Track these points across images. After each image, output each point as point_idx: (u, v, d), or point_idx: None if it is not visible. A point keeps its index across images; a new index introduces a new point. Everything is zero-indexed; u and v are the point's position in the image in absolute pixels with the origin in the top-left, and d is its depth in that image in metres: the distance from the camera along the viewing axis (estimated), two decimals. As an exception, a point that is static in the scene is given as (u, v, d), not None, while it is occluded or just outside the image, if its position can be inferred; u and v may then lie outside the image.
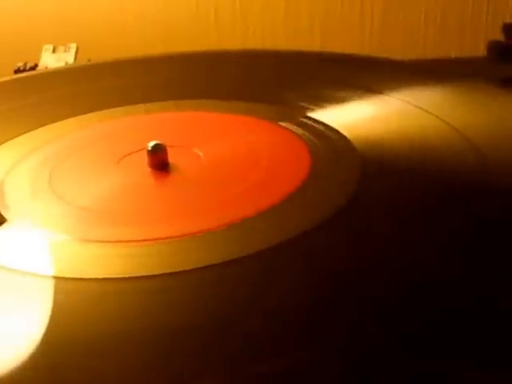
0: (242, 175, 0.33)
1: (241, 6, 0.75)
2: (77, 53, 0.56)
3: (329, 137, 0.36)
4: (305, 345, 0.21)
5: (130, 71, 0.50)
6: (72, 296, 0.24)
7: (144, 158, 0.34)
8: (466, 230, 0.27)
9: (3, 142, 0.38)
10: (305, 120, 0.38)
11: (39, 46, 0.57)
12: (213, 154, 0.36)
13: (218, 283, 0.24)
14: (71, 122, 0.41)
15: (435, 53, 0.72)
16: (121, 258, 0.27)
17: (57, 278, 0.25)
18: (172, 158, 0.35)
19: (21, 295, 0.24)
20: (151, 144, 0.34)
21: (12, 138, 0.38)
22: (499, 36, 0.59)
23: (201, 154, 0.36)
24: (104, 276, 0.25)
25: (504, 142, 0.34)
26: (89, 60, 0.54)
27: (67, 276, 0.25)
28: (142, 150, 0.35)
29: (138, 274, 0.25)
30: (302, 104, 0.40)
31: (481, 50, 0.64)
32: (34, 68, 0.54)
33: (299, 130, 0.37)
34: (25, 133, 0.39)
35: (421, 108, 0.37)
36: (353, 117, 0.38)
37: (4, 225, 0.29)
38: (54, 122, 0.40)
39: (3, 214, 0.30)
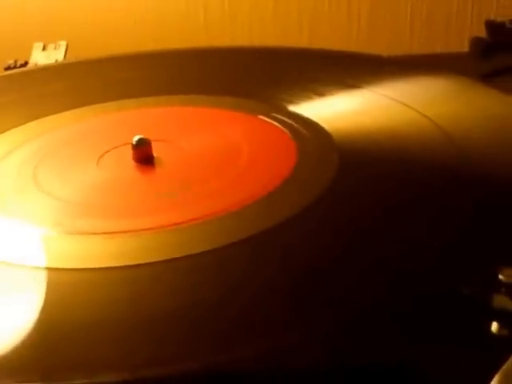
0: (226, 168, 0.34)
1: (230, 5, 0.76)
2: (67, 51, 0.57)
3: (310, 130, 0.36)
4: (280, 331, 0.21)
5: (116, 68, 0.51)
6: (56, 286, 0.25)
7: (129, 153, 0.35)
8: (442, 218, 0.28)
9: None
10: (286, 114, 0.39)
11: (29, 44, 0.58)
12: (198, 147, 0.36)
13: (201, 271, 0.25)
14: (56, 118, 0.41)
15: (421, 49, 0.73)
16: (107, 249, 0.27)
17: (43, 269, 0.26)
18: (157, 151, 0.35)
19: (5, 286, 0.25)
20: (136, 138, 0.35)
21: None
22: (484, 33, 0.60)
23: (186, 147, 0.36)
24: (84, 266, 0.26)
25: (477, 131, 0.35)
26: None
27: (53, 266, 0.26)
28: (126, 144, 0.36)
29: (124, 264, 0.26)
30: (286, 99, 0.41)
31: (465, 47, 0.65)
32: (24, 65, 0.55)
33: (282, 124, 0.37)
34: (9, 129, 0.40)
35: (400, 102, 0.38)
36: (333, 110, 0.39)
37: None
38: (38, 118, 0.41)
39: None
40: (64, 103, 0.43)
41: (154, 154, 0.35)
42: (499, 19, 0.60)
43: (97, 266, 0.26)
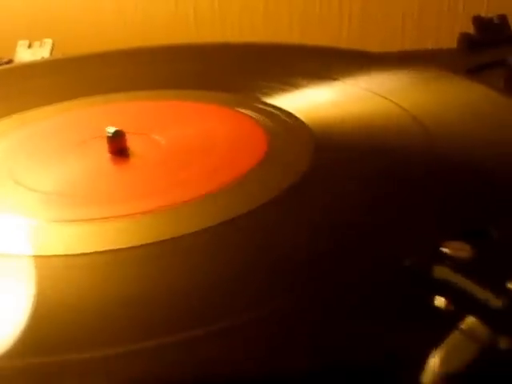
0: (201, 158, 0.34)
1: (220, 5, 0.76)
2: (52, 49, 0.57)
3: (285, 120, 0.37)
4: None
5: (94, 64, 0.51)
6: (41, 272, 0.25)
7: (104, 145, 0.35)
8: (415, 204, 0.28)
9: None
10: (262, 106, 0.39)
11: (14, 42, 0.58)
12: (172, 139, 0.36)
13: (173, 255, 0.25)
14: (37, 112, 0.41)
15: (413, 46, 0.72)
16: (81, 236, 0.27)
17: (27, 257, 0.26)
18: (132, 144, 0.35)
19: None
20: (110, 130, 0.35)
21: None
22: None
23: (160, 139, 0.36)
24: (65, 253, 0.26)
25: (450, 120, 0.34)
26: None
27: (36, 254, 0.26)
28: (101, 136, 0.35)
29: (102, 249, 0.26)
30: (261, 91, 0.41)
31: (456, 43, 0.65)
32: (8, 63, 0.55)
33: (257, 115, 0.37)
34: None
35: (376, 93, 0.38)
36: (309, 102, 0.39)
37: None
38: (14, 113, 0.41)
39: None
40: (48, 98, 0.43)
41: (129, 146, 0.35)
42: (488, 15, 0.60)
43: (80, 251, 0.26)
